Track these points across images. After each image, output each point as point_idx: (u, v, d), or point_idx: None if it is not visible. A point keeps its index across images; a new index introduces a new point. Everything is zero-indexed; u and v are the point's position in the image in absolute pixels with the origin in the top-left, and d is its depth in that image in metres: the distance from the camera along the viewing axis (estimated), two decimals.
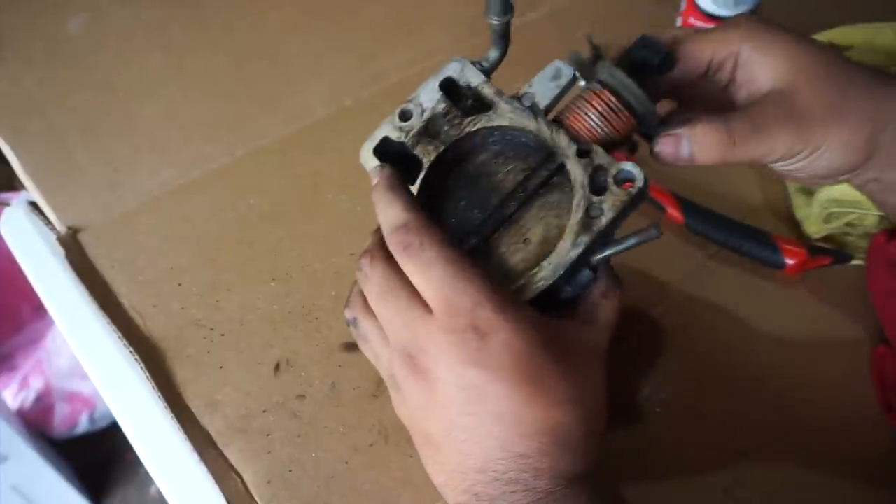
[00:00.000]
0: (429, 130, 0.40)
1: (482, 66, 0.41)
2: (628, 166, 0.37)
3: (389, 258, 0.36)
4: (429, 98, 0.41)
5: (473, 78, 0.41)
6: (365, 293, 0.37)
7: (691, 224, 0.60)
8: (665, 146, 0.40)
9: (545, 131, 0.39)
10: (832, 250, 0.60)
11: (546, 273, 0.36)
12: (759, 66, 0.40)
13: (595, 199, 0.37)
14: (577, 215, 0.37)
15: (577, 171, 0.38)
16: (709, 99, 0.44)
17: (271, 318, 0.53)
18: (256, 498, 0.46)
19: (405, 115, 0.41)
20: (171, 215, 0.58)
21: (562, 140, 0.38)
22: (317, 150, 0.62)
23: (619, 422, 0.50)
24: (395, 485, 0.47)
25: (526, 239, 0.39)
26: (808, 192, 0.61)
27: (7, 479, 1.12)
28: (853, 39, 0.65)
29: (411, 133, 0.40)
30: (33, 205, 0.60)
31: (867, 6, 0.67)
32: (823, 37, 0.66)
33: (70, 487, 1.21)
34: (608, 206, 0.37)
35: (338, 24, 0.71)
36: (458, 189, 0.41)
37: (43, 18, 0.68)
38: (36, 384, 1.25)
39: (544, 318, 0.35)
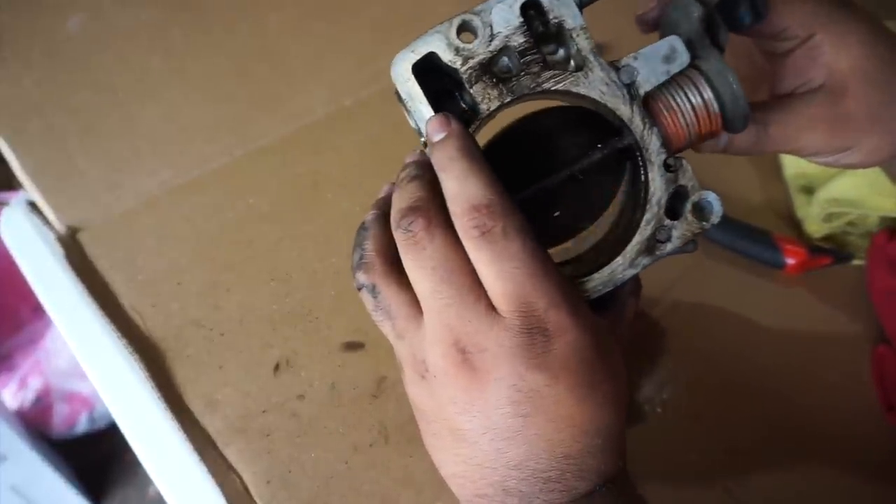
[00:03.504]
0: (495, 66, 0.32)
1: (578, 0, 0.33)
2: (712, 197, 0.33)
3: (452, 228, 0.31)
4: (504, 21, 0.31)
5: (569, 16, 0.32)
6: (409, 262, 0.31)
7: None
8: None
9: (637, 125, 0.33)
10: (833, 250, 0.60)
11: (595, 285, 0.34)
12: (822, 57, 0.38)
13: (667, 222, 0.33)
14: (643, 233, 0.33)
15: (657, 185, 0.33)
16: (749, 55, 0.43)
17: (271, 318, 0.53)
18: (256, 498, 0.46)
19: (468, 32, 0.32)
20: (170, 215, 0.58)
21: (653, 142, 0.33)
22: (317, 150, 0.62)
23: None
24: (395, 485, 0.46)
25: (557, 214, 0.35)
26: (809, 192, 0.61)
27: (6, 479, 1.12)
28: None
29: (471, 62, 0.32)
30: (32, 205, 0.60)
31: (867, 6, 0.67)
32: None
33: (69, 487, 1.21)
34: (677, 234, 0.33)
35: (338, 24, 0.71)
36: (507, 146, 0.35)
37: (43, 18, 0.68)
38: (35, 384, 1.25)
39: (595, 317, 0.33)
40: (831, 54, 0.38)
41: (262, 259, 0.56)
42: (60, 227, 0.57)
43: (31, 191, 0.59)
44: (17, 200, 0.61)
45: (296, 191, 0.60)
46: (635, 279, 0.37)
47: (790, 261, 0.58)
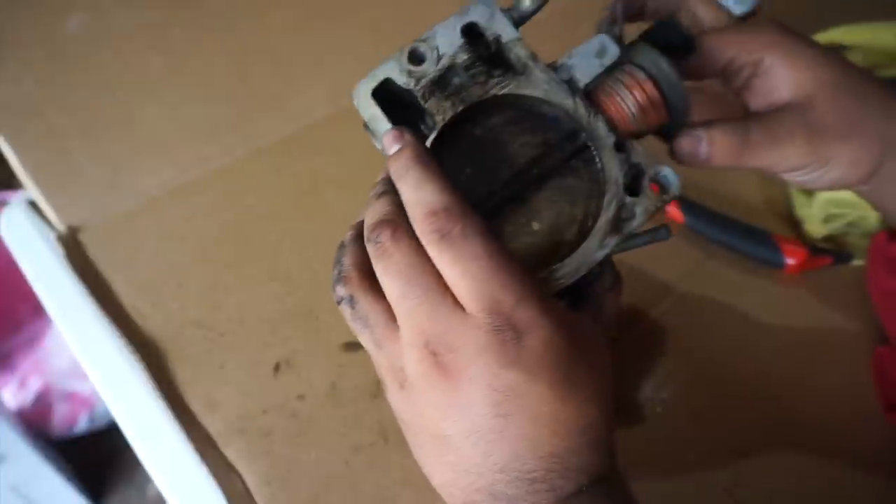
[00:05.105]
0: (444, 82, 0.36)
1: (511, 17, 0.36)
2: (667, 171, 0.35)
3: (416, 236, 0.32)
4: (448, 43, 0.35)
5: (505, 32, 0.36)
6: (379, 271, 0.33)
7: (691, 224, 0.60)
8: (685, 145, 0.39)
9: (582, 114, 0.35)
10: (833, 250, 0.60)
11: (568, 271, 0.34)
12: (781, 77, 0.39)
13: (628, 200, 0.35)
14: (607, 214, 0.35)
15: (612, 166, 0.35)
16: (715, 98, 0.44)
17: (271, 318, 0.53)
18: (256, 498, 0.46)
19: (417, 58, 0.35)
20: (170, 215, 0.58)
21: (599, 128, 0.35)
22: (317, 150, 0.62)
23: (620, 422, 0.50)
24: (395, 485, 0.46)
25: (533, 223, 0.36)
26: (809, 192, 0.61)
27: (6, 479, 1.12)
28: (853, 39, 0.65)
29: (423, 81, 0.35)
30: (32, 204, 0.60)
31: (867, 6, 0.67)
32: (824, 37, 0.66)
33: (69, 487, 1.21)
34: (641, 209, 0.35)
35: (338, 24, 0.71)
36: (463, 154, 0.36)
37: (43, 18, 0.68)
38: (35, 384, 1.25)
39: (569, 312, 0.34)
40: (788, 72, 0.39)
41: (262, 259, 0.56)
42: (61, 226, 0.57)
43: (31, 190, 0.59)
44: (17, 200, 0.61)
45: (296, 191, 0.60)
46: (614, 274, 0.38)
47: (790, 261, 0.58)
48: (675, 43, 0.38)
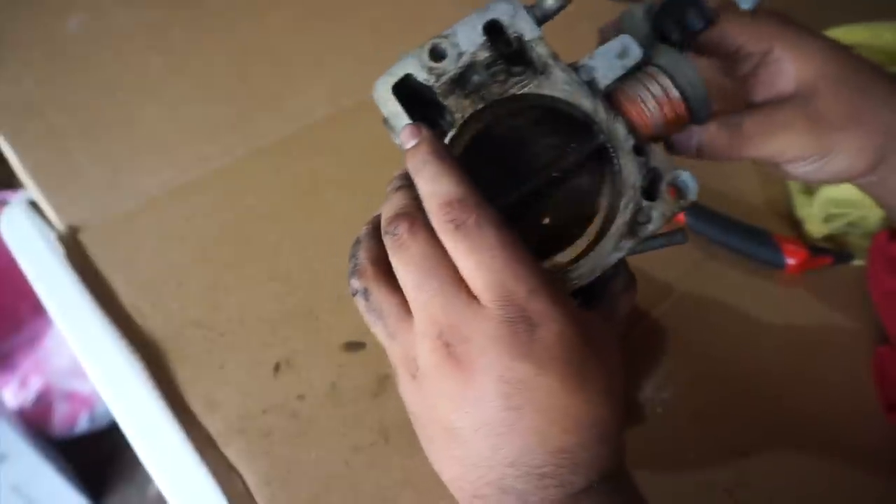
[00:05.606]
0: (465, 80, 0.35)
1: (534, 16, 0.36)
2: (685, 175, 0.35)
3: (433, 229, 0.33)
4: (469, 40, 0.35)
5: (527, 30, 0.35)
6: (396, 263, 0.33)
7: (692, 223, 0.60)
8: (677, 135, 0.39)
9: (602, 116, 0.35)
10: (833, 250, 0.60)
11: (583, 272, 0.35)
12: (787, 69, 0.40)
13: (645, 203, 0.35)
14: (623, 217, 0.35)
15: (630, 169, 0.35)
16: (717, 90, 0.44)
17: (271, 318, 0.53)
18: (256, 498, 0.46)
19: (438, 55, 0.35)
20: (170, 215, 0.58)
21: (619, 130, 0.35)
22: (317, 150, 0.62)
23: None
24: (396, 485, 0.46)
25: (548, 222, 0.37)
26: (810, 192, 0.61)
27: (6, 478, 1.12)
28: (853, 39, 0.65)
29: (443, 78, 0.35)
30: (33, 204, 0.60)
31: (867, 6, 0.67)
32: None
33: (70, 487, 1.21)
34: (657, 213, 0.35)
35: (338, 24, 0.71)
36: (480, 152, 0.36)
37: (43, 18, 0.68)
38: (35, 384, 1.25)
39: (583, 310, 0.34)
40: (795, 64, 0.39)
41: (262, 259, 0.56)
42: (61, 226, 0.57)
43: (31, 190, 0.59)
44: (17, 200, 0.61)
45: (296, 191, 0.60)
46: (629, 275, 0.38)
47: (790, 261, 0.58)
48: (697, 25, 0.38)
